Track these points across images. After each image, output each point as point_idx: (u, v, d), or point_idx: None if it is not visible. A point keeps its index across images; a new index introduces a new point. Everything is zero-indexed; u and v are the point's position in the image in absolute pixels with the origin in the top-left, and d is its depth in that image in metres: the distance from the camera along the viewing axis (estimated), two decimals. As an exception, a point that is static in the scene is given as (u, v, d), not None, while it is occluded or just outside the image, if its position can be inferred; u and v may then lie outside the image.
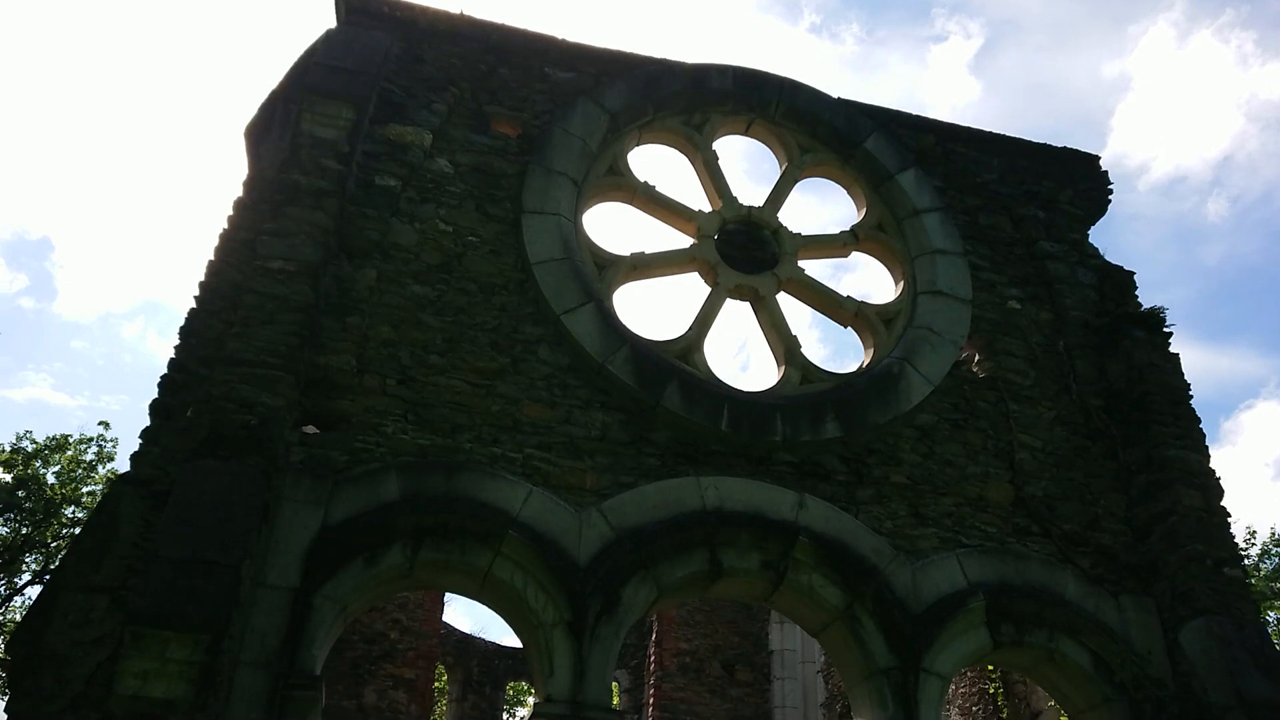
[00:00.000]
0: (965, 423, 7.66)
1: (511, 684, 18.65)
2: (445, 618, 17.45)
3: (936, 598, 6.75)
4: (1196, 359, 52.13)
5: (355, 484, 6.23)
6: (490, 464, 6.54)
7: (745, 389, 7.41)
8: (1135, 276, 8.62)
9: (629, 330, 7.31)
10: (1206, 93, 52.48)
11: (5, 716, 5.26)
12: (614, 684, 18.00)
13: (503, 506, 6.35)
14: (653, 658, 14.83)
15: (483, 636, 17.91)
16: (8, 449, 18.38)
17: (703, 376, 7.33)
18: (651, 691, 14.59)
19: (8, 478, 18.10)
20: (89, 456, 18.76)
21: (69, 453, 18.75)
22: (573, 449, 6.77)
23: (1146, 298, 8.61)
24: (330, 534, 5.99)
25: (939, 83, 60.60)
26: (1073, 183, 9.12)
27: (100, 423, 24.36)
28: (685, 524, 6.58)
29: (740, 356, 47.72)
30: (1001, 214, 8.80)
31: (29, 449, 18.48)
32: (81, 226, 55.38)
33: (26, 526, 17.85)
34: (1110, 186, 9.20)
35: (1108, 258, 8.75)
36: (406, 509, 6.17)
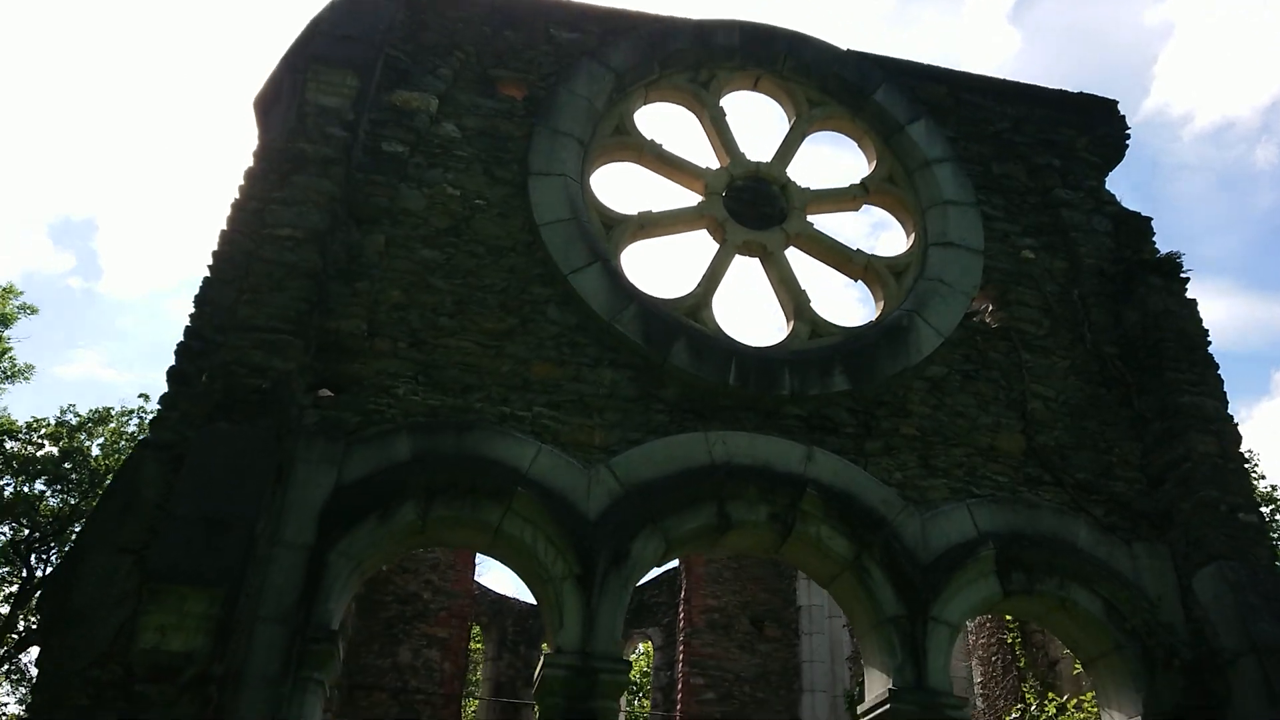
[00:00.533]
0: (977, 373, 7.64)
1: (546, 643, 18.93)
2: (479, 580, 17.79)
3: (946, 547, 6.79)
4: (1246, 308, 51.11)
5: (368, 444, 6.37)
6: (500, 423, 6.65)
7: (754, 344, 7.43)
8: (1152, 222, 8.51)
9: (636, 288, 7.37)
10: (1252, 38, 51.02)
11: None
12: (648, 642, 18.24)
13: (512, 464, 6.47)
14: (682, 615, 15.00)
15: (516, 598, 18.17)
16: (53, 422, 18.86)
17: (710, 333, 7.38)
18: (681, 648, 14.78)
19: (54, 450, 18.60)
20: (131, 428, 19.20)
21: (111, 425, 19.20)
22: (582, 407, 6.86)
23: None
24: (344, 493, 6.15)
25: (976, 34, 59.45)
26: (1090, 129, 8.99)
27: (140, 395, 24.88)
28: (693, 478, 6.66)
29: (753, 312, 47.57)
30: (1016, 163, 8.71)
31: (73, 422, 18.96)
32: (125, 206, 56.23)
33: (73, 497, 18.35)
34: (1128, 131, 9.06)
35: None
36: (418, 468, 6.31)
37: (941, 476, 7.15)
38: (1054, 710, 7.60)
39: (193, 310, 6.67)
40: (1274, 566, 6.87)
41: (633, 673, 21.35)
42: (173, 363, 6.42)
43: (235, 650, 5.46)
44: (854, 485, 6.89)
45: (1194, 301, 7.97)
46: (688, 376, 7.05)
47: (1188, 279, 8.04)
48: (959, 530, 6.88)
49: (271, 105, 7.58)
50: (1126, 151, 9.02)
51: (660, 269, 44.14)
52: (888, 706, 6.28)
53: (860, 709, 6.66)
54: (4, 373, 18.99)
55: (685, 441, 6.84)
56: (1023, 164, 8.70)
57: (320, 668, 5.75)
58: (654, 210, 7.92)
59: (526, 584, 6.72)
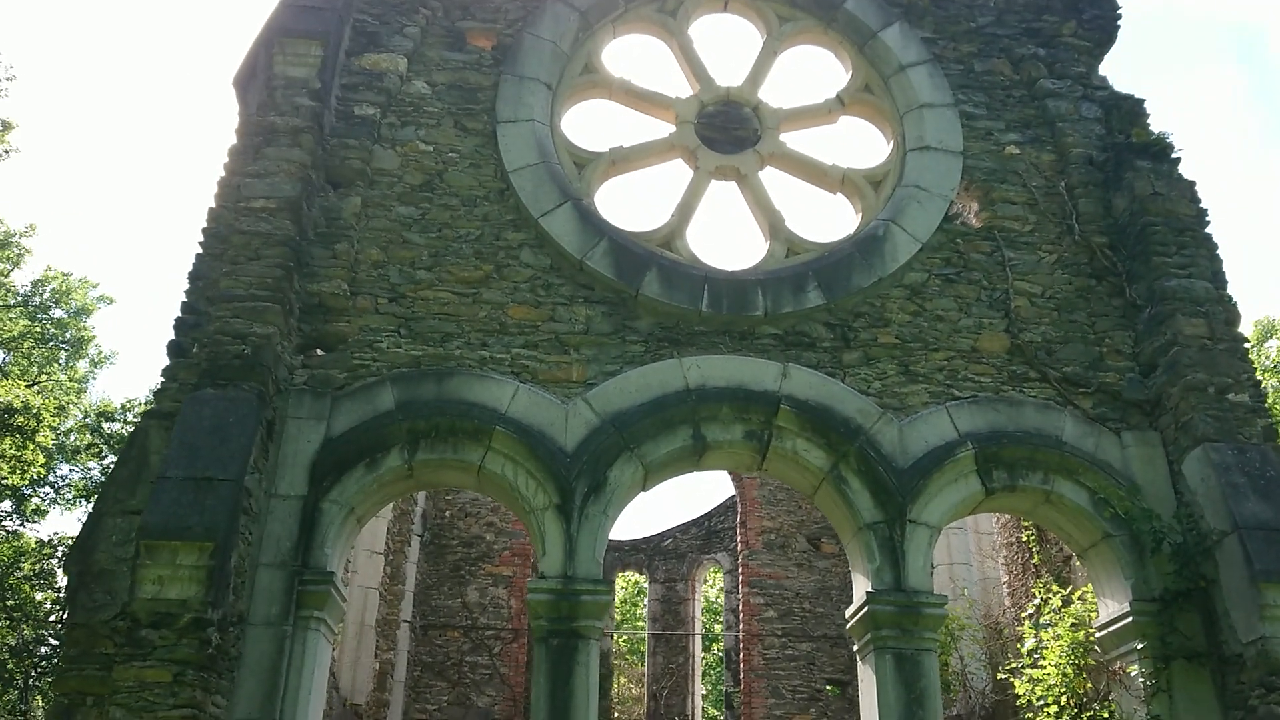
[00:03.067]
0: (958, 276, 7.61)
1: (620, 574, 19.49)
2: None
3: (924, 451, 6.87)
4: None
5: (353, 398, 6.75)
6: (480, 367, 6.95)
7: (727, 269, 7.54)
8: (1145, 104, 8.23)
9: (608, 224, 7.53)
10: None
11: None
12: (716, 566, 18.63)
13: (491, 405, 6.77)
14: (740, 538, 15.30)
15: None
16: (143, 402, 19.99)
17: (683, 260, 7.50)
18: (741, 569, 15.10)
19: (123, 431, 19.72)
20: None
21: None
22: (558, 344, 7.11)
23: None
24: (332, 445, 6.55)
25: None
26: (1077, 13, 8.69)
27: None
28: (668, 404, 6.87)
29: (739, 237, 46.80)
30: (999, 57, 8.51)
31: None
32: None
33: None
34: (1119, 10, 8.74)
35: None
36: (401, 416, 6.66)
37: (922, 382, 7.19)
38: (1059, 603, 7.65)
39: (187, 286, 7.11)
40: (1269, 445, 6.74)
41: (706, 596, 21.83)
42: (172, 337, 6.90)
43: (238, 596, 5.94)
44: (830, 398, 7.00)
45: (1185, 182, 7.73)
46: (660, 306, 7.22)
47: (1179, 159, 7.80)
48: (937, 434, 6.94)
49: (249, 82, 7.88)
50: (1118, 32, 8.70)
51: (644, 203, 43.69)
52: (866, 609, 6.45)
53: (847, 613, 6.85)
54: (91, 360, 20.15)
55: (660, 369, 7.03)
56: (1006, 58, 8.50)
57: (320, 607, 6.20)
58: (625, 146, 8.03)
59: (518, 516, 7.05)
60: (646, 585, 19.45)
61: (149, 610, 5.48)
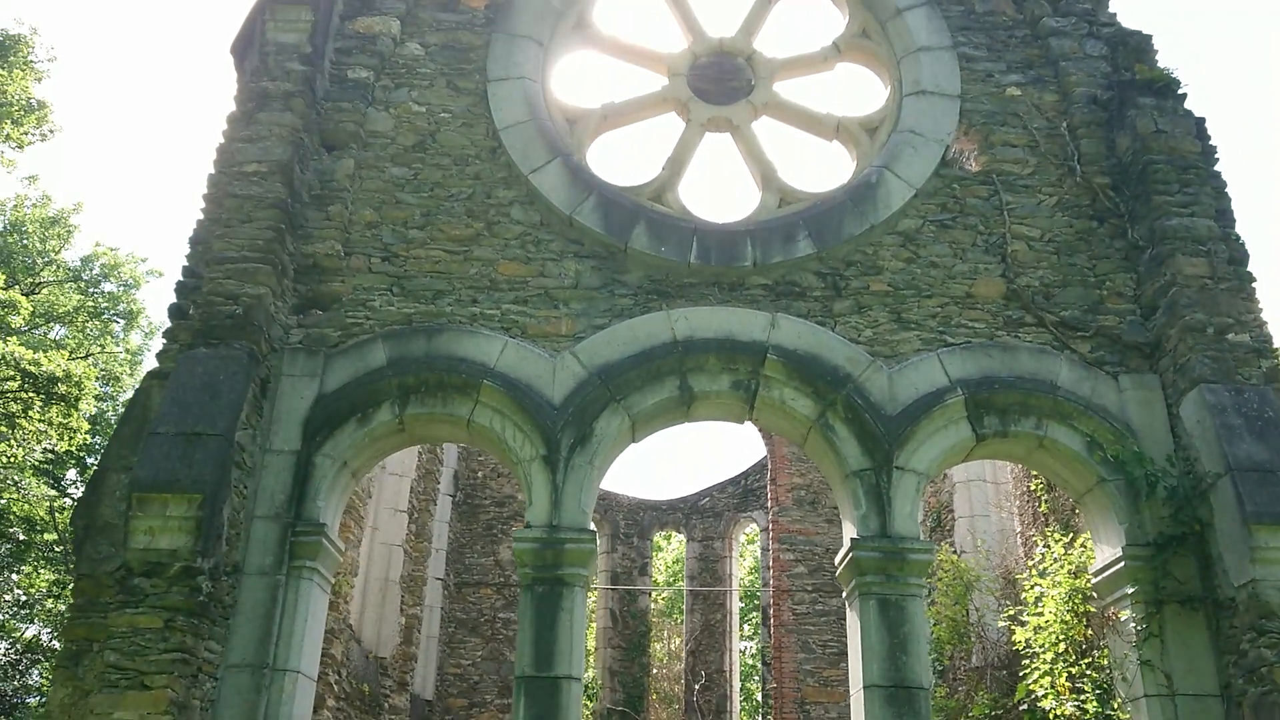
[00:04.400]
0: (953, 222, 7.50)
1: (658, 533, 19.65)
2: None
3: (914, 398, 6.82)
4: None
5: (346, 355, 6.90)
6: (470, 323, 7.05)
7: (717, 221, 7.52)
8: (1152, 39, 7.98)
9: (597, 179, 7.55)
10: None
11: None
12: (754, 524, 18.69)
13: (480, 359, 6.88)
14: (770, 495, 15.31)
15: (624, 494, 18.87)
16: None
17: (673, 213, 7.50)
18: (772, 526, 15.13)
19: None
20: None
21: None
22: (548, 299, 7.18)
23: None
24: (325, 401, 6.71)
25: None
26: (1084, -55, 8.43)
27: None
28: (654, 355, 6.91)
29: (735, 189, 45.95)
30: (1001, -4, 8.31)
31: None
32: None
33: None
34: (1129, -56, 8.45)
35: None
36: (391, 371, 6.80)
37: (914, 329, 7.13)
38: (1061, 550, 7.56)
39: (188, 249, 7.31)
40: (1268, 386, 6.57)
41: (743, 553, 21.91)
42: (174, 300, 7.11)
43: (231, 546, 6.16)
44: (819, 346, 6.98)
45: (1191, 118, 7.49)
46: (649, 259, 7.24)
47: (1185, 95, 7.56)
48: (928, 380, 6.88)
49: (246, 50, 8.01)
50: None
51: (642, 157, 43.18)
52: (851, 555, 6.46)
53: (836, 560, 6.86)
54: (144, 332, 20.76)
55: (648, 321, 7.06)
56: (1009, -4, 8.29)
57: (313, 557, 6.39)
58: (616, 101, 8.03)
59: (508, 467, 7.16)
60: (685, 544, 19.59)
61: (141, 560, 5.71)
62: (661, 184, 7.69)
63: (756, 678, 20.85)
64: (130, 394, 20.82)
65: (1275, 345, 6.88)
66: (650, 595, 18.86)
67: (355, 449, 6.74)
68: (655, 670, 17.99)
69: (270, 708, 5.97)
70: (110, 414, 19.00)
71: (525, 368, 6.87)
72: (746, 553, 22.88)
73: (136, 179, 50.40)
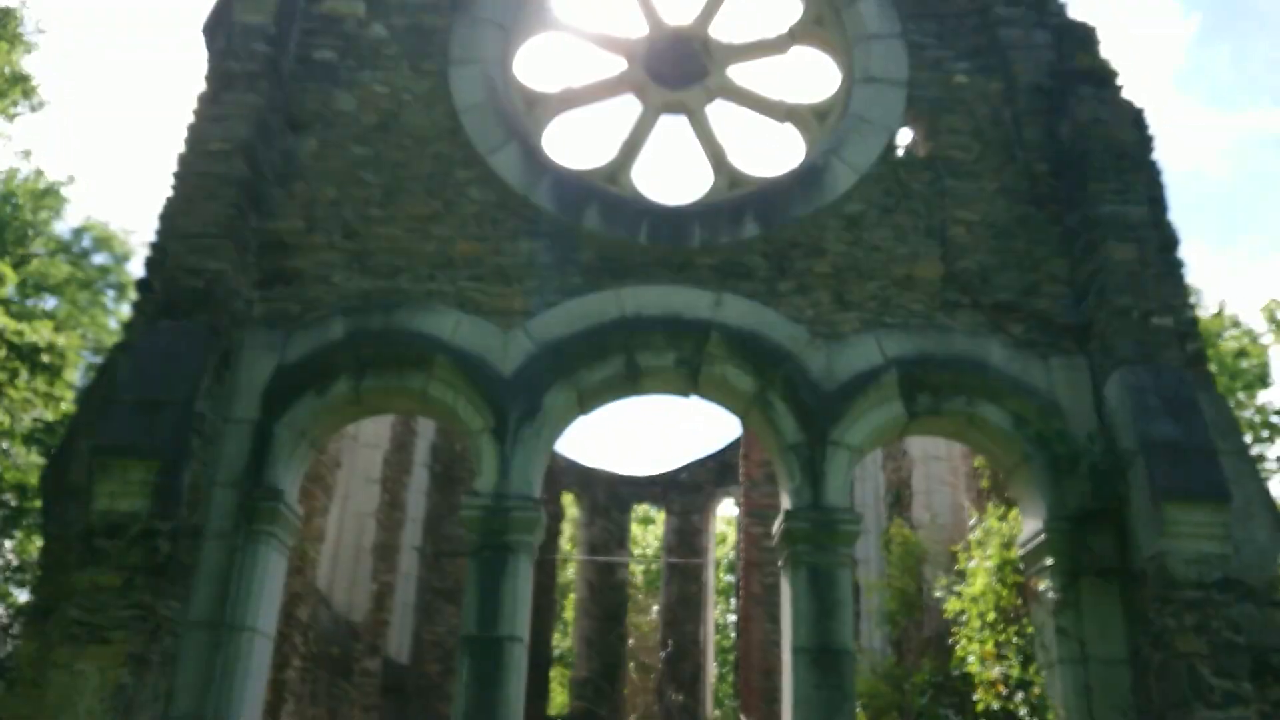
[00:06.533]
0: (897, 206, 7.74)
1: (636, 507, 19.99)
2: (567, 454, 18.91)
3: (850, 376, 7.09)
4: None
5: (306, 329, 7.17)
6: (427, 299, 7.32)
7: (668, 203, 7.77)
8: (1096, 31, 8.20)
9: (552, 161, 7.79)
10: None
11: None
12: (731, 499, 19.02)
13: (434, 334, 7.14)
14: (742, 470, 15.61)
15: (603, 469, 19.20)
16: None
17: (625, 195, 7.75)
18: (743, 500, 15.43)
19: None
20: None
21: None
22: (502, 277, 7.44)
23: None
24: (284, 372, 6.99)
25: None
26: (1036, -64, 8.62)
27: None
28: (602, 332, 7.18)
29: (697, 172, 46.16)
30: (954, -15, 8.51)
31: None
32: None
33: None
34: (1080, -66, 8.65)
35: None
36: (349, 345, 7.08)
37: (854, 309, 7.38)
38: (995, 522, 7.86)
39: (157, 225, 7.56)
40: (1189, 368, 6.85)
41: (720, 528, 22.24)
42: (142, 274, 7.38)
43: (192, 510, 6.45)
44: (761, 325, 7.24)
45: (1130, 108, 7.73)
46: (600, 239, 7.49)
47: (1121, 86, 7.79)
48: (865, 359, 7.15)
49: (216, 30, 8.23)
50: (1077, -44, 8.62)
51: (602, 140, 43.27)
52: (785, 525, 6.77)
53: (773, 529, 7.16)
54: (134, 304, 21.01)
55: (597, 299, 7.32)
56: (961, -15, 8.50)
57: (271, 522, 6.69)
58: (574, 84, 8.26)
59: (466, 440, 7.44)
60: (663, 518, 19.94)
61: (103, 521, 6.01)
62: (616, 166, 7.94)
63: (732, 648, 21.25)
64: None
65: (1198, 329, 7.18)
66: (628, 567, 19.23)
67: (313, 419, 7.02)
68: (632, 641, 18.37)
69: (227, 663, 6.30)
70: (100, 384, 19.30)
71: (478, 342, 7.14)
72: (724, 527, 23.24)
73: (129, 152, 50.44)
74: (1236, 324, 20.98)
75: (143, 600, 5.90)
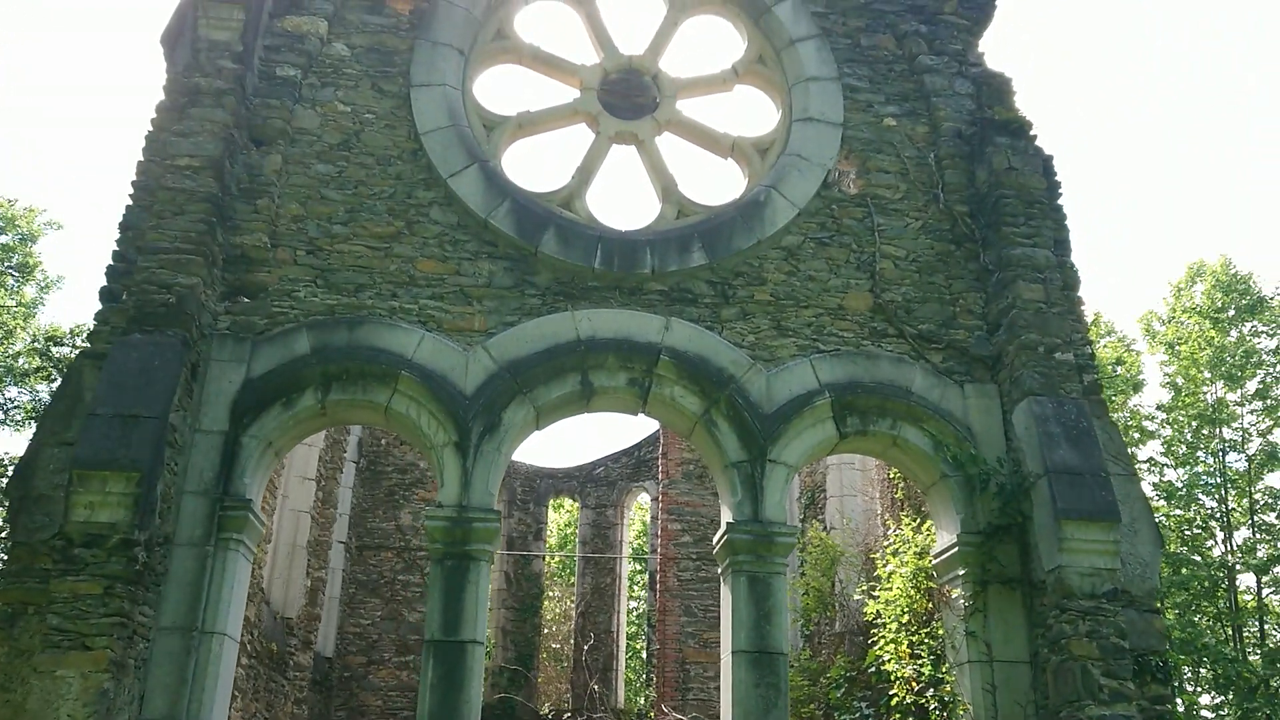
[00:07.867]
0: (831, 239, 8.37)
1: (553, 500, 20.43)
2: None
3: (788, 399, 7.70)
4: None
5: (272, 343, 7.43)
6: (390, 316, 7.65)
7: (621, 229, 8.24)
8: (1012, 82, 8.95)
9: (512, 185, 8.18)
10: None
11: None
12: (645, 494, 19.64)
13: (398, 351, 7.48)
14: (661, 468, 16.24)
15: (523, 462, 19.58)
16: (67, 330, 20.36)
17: (581, 220, 8.20)
18: (662, 497, 16.06)
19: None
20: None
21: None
22: (463, 297, 7.81)
23: None
24: (252, 385, 7.25)
25: None
26: (958, -9, 9.34)
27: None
28: (559, 352, 7.62)
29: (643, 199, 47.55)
30: (884, 33, 9.16)
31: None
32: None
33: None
34: (997, -9, 9.39)
35: None
36: (315, 360, 7.36)
37: (791, 336, 7.99)
38: (910, 533, 8.60)
39: (118, 234, 7.69)
40: (1087, 400, 7.65)
41: (635, 521, 22.89)
42: (104, 283, 7.50)
43: (164, 520, 6.68)
44: (707, 349, 7.79)
45: (1040, 157, 8.49)
46: (557, 263, 7.92)
47: (1035, 137, 8.56)
48: (801, 383, 7.77)
49: (176, 40, 8.33)
50: (995, 11, 9.37)
51: (553, 165, 43.95)
52: (726, 537, 7.34)
53: (714, 540, 7.73)
54: (39, 285, 20.43)
55: (554, 321, 7.76)
56: (891, 33, 9.15)
57: (239, 530, 6.96)
58: (531, 110, 8.64)
59: (422, 451, 7.81)
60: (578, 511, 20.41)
61: (81, 531, 6.21)
62: (570, 192, 8.37)
63: (642, 638, 21.92)
64: (21, 346, 20.66)
65: (1095, 362, 8.01)
66: (544, 559, 19.67)
67: (280, 430, 7.30)
68: (546, 630, 18.84)
69: (199, 666, 6.57)
70: (-1, 366, 18.80)
71: (440, 360, 7.51)
72: (637, 520, 23.87)
73: (36, 129, 48.31)
74: (1111, 332, 22.56)
75: (122, 608, 6.12)
